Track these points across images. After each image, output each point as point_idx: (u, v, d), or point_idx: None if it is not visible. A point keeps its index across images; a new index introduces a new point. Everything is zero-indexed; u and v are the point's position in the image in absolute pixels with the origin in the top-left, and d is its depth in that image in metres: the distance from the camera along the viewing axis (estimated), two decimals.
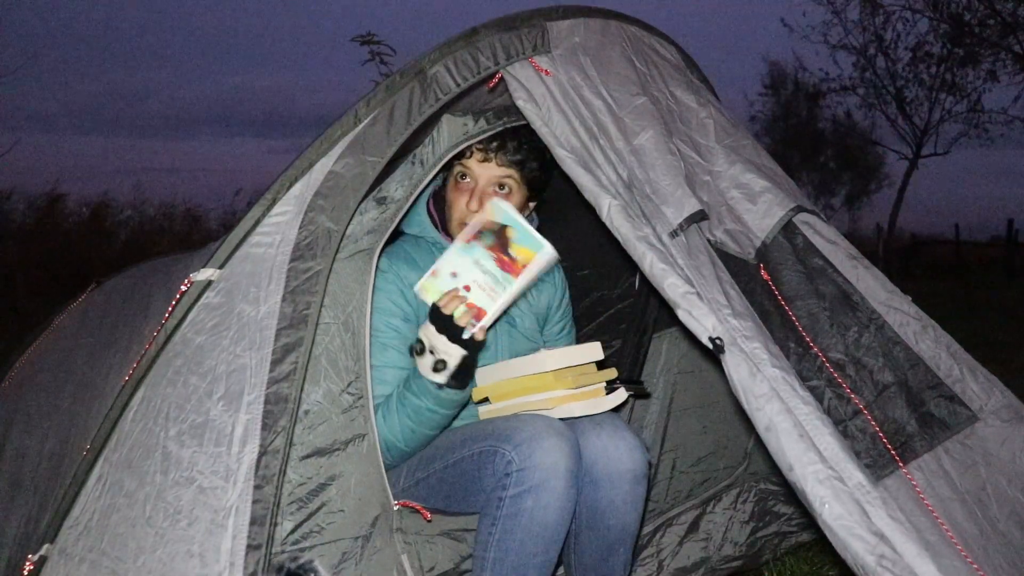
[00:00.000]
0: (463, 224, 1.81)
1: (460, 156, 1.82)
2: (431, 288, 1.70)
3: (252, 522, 1.35)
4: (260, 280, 1.51)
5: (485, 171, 1.84)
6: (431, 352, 1.66)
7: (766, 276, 1.80)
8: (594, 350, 1.77)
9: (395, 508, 1.61)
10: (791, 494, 1.54)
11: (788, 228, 1.81)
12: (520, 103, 1.69)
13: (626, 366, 2.57)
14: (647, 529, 2.25)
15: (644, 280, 1.75)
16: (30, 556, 1.47)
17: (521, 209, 1.91)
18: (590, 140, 1.70)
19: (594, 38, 1.83)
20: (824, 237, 1.83)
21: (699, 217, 1.68)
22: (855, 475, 1.39)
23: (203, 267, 1.54)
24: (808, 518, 1.65)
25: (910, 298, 1.82)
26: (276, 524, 1.41)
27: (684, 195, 1.68)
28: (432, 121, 1.71)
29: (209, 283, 1.53)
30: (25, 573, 1.46)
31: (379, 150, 1.60)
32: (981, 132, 17.77)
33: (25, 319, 5.67)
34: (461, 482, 1.69)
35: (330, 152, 1.58)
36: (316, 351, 1.55)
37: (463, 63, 1.66)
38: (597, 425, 1.71)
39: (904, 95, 18.13)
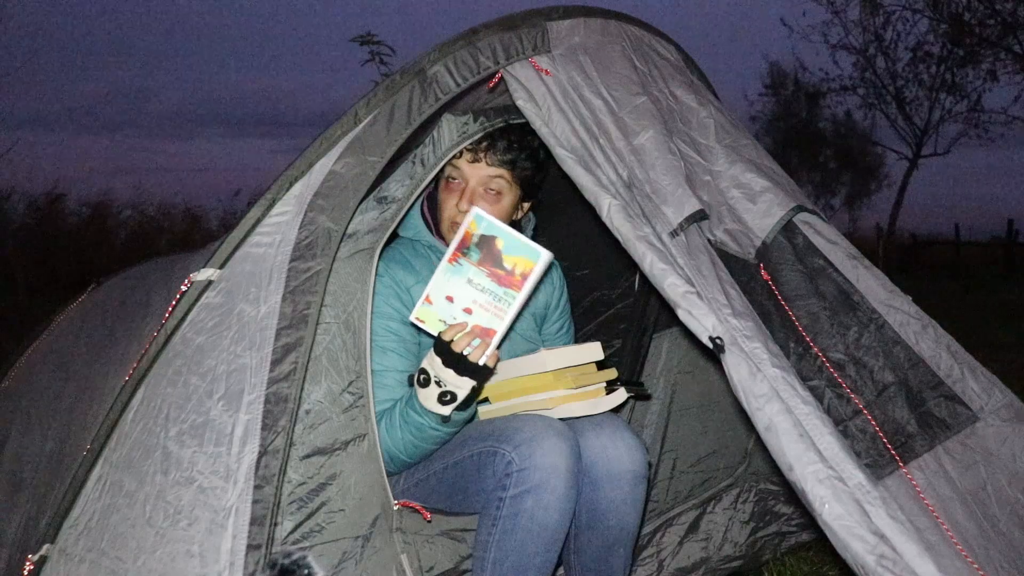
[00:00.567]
0: (454, 224, 1.81)
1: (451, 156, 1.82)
2: (429, 317, 1.61)
3: (252, 522, 1.35)
4: (260, 280, 1.51)
5: (475, 171, 1.83)
6: (437, 383, 1.61)
7: (766, 276, 1.80)
8: (594, 350, 1.77)
9: (395, 508, 1.61)
10: (791, 494, 1.54)
11: (788, 228, 1.81)
12: (520, 103, 1.69)
13: (626, 366, 2.57)
14: (647, 529, 2.25)
15: (644, 280, 1.75)
16: (30, 556, 1.47)
17: (514, 210, 1.90)
18: (590, 140, 1.69)
19: (594, 38, 1.83)
20: (824, 237, 1.83)
21: (699, 217, 1.68)
22: (855, 475, 1.39)
23: (203, 267, 1.54)
24: (808, 518, 1.65)
25: (910, 298, 1.81)
26: (276, 524, 1.41)
27: (684, 195, 1.68)
28: (432, 121, 1.71)
29: (209, 283, 1.53)
30: (25, 573, 1.46)
31: (379, 150, 1.60)
32: (981, 132, 17.80)
33: (25, 319, 5.66)
34: (461, 482, 1.69)
35: (330, 152, 1.58)
36: (317, 350, 1.54)
37: (463, 63, 1.66)
38: (597, 425, 1.71)
39: (904, 95, 18.15)
